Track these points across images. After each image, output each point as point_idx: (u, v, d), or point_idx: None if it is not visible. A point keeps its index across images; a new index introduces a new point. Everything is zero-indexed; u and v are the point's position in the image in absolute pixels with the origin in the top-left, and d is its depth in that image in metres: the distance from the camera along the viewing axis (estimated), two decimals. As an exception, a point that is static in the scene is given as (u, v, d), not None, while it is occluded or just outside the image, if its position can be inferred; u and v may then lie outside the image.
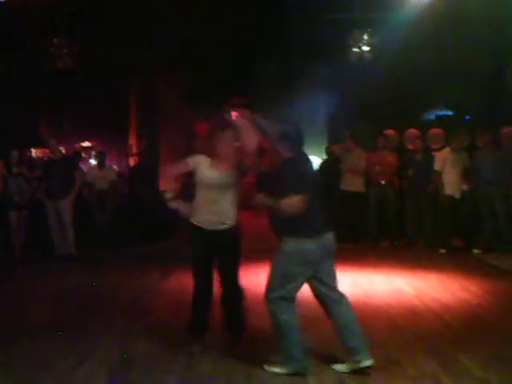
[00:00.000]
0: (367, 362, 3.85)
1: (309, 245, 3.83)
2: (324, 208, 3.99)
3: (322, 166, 9.50)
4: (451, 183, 8.43)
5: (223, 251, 4.27)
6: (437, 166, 8.58)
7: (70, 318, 5.35)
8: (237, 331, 4.42)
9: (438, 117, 10.62)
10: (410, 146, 9.73)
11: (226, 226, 4.22)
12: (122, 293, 6.33)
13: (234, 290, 4.33)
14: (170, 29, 10.09)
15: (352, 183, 9.14)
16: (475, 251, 8.17)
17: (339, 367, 3.95)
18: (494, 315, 5.22)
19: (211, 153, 4.25)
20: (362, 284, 6.46)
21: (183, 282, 6.68)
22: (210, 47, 10.34)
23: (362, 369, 3.85)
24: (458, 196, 8.43)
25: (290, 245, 3.85)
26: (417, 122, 10.35)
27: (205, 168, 4.24)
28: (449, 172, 8.44)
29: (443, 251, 8.27)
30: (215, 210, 4.21)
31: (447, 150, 8.60)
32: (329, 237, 3.95)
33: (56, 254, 8.40)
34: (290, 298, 3.88)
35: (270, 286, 3.90)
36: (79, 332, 4.87)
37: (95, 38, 10.00)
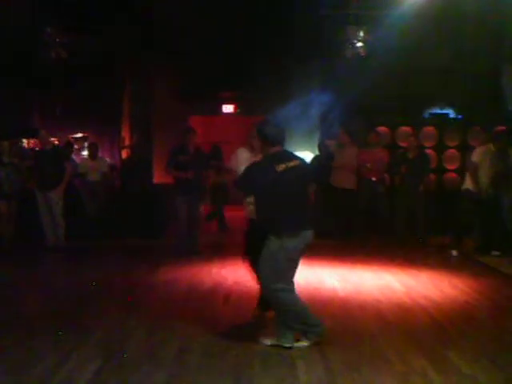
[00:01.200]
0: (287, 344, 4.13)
1: (290, 243, 4.07)
2: (304, 207, 4.19)
3: (313, 162, 9.46)
4: (483, 182, 7.76)
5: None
6: (474, 157, 7.84)
7: (60, 311, 5.30)
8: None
9: (431, 115, 10.62)
10: (403, 144, 9.76)
11: None
12: (113, 285, 6.30)
13: None
14: (167, 22, 10.05)
15: (344, 180, 9.13)
16: (494, 253, 7.61)
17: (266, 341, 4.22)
18: (482, 312, 5.25)
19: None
20: (351, 280, 6.46)
21: (175, 275, 6.69)
22: (205, 41, 10.32)
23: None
24: (484, 196, 7.76)
25: (274, 243, 4.08)
26: (411, 119, 10.34)
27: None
28: (485, 170, 7.73)
29: (455, 253, 7.84)
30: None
31: (491, 146, 7.82)
32: (308, 234, 4.18)
33: (46, 245, 8.35)
34: (288, 284, 4.13)
35: (265, 283, 4.13)
36: (69, 324, 4.83)
37: (89, 28, 9.93)
